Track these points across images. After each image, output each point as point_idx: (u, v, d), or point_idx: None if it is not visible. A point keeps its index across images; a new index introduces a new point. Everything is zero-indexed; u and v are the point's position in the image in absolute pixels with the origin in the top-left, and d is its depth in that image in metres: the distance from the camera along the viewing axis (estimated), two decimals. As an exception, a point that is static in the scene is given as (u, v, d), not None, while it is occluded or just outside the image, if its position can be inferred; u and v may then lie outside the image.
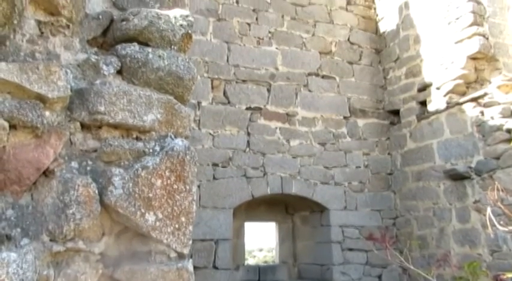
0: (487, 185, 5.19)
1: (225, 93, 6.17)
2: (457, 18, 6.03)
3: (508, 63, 6.07)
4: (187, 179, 1.40)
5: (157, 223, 1.33)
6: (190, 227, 1.39)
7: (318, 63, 6.87)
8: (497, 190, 4.08)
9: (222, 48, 6.34)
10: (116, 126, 1.37)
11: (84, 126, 1.34)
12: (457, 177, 5.65)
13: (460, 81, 5.86)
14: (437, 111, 6.11)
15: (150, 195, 1.32)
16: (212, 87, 6.11)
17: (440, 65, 6.22)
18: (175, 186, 1.37)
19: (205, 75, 6.07)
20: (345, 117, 6.81)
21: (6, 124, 1.12)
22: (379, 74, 7.29)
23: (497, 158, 5.23)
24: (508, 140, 5.19)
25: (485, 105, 5.59)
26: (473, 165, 5.50)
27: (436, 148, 6.13)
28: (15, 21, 1.15)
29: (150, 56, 1.47)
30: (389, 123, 7.06)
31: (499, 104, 5.48)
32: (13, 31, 1.23)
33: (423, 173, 6.28)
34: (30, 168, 1.17)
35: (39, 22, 1.34)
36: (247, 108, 6.21)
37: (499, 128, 5.31)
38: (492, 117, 5.47)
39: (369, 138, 6.88)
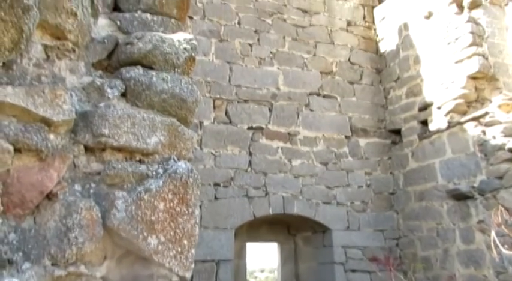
0: (491, 205, 5.15)
1: (226, 113, 6.20)
2: (456, 39, 6.11)
3: (508, 82, 6.11)
4: (190, 201, 1.39)
5: (160, 247, 1.32)
6: (193, 251, 1.38)
7: (319, 83, 6.92)
8: (501, 212, 4.04)
9: (224, 68, 6.40)
10: (119, 149, 1.37)
11: (87, 149, 1.35)
12: (460, 197, 5.62)
13: (461, 100, 5.89)
14: (439, 131, 6.12)
15: (153, 218, 1.32)
16: (214, 107, 6.14)
17: (441, 85, 6.26)
18: (178, 209, 1.37)
19: (207, 95, 6.11)
20: (346, 137, 6.81)
21: (11, 148, 1.13)
22: (380, 94, 7.33)
23: (501, 178, 5.20)
24: (511, 160, 5.18)
25: (487, 125, 5.60)
26: (476, 185, 5.47)
27: (438, 167, 6.11)
28: (23, 46, 1.17)
29: (154, 79, 1.48)
30: (391, 143, 7.06)
31: (501, 123, 5.48)
32: (20, 55, 1.25)
33: (426, 192, 6.25)
34: (33, 191, 1.17)
35: (45, 46, 1.36)
36: (248, 128, 6.23)
37: (501, 148, 5.31)
38: (494, 137, 5.47)
39: (371, 158, 6.87)
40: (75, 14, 1.36)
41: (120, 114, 1.36)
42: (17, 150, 1.15)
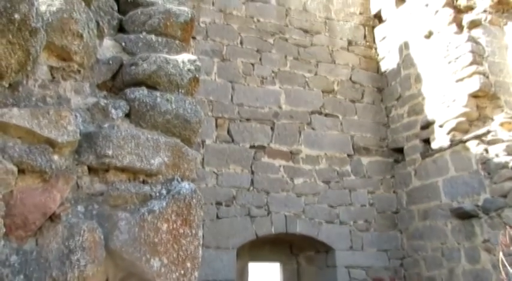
0: (496, 224, 5.10)
1: (229, 131, 6.21)
2: (457, 58, 6.15)
3: (509, 101, 6.13)
4: (194, 223, 1.38)
5: (163, 269, 1.30)
6: (196, 273, 1.36)
7: (321, 101, 6.95)
8: (508, 232, 3.98)
9: (226, 87, 6.45)
10: (123, 170, 1.37)
11: (91, 170, 1.34)
12: (465, 216, 5.56)
13: (463, 119, 5.89)
14: (442, 149, 6.11)
15: (156, 240, 1.30)
16: (216, 126, 6.15)
17: (442, 103, 6.28)
18: (181, 230, 1.35)
19: (210, 114, 6.14)
20: (348, 155, 6.80)
21: (15, 169, 1.12)
22: (381, 112, 7.35)
23: (505, 196, 5.16)
24: (515, 178, 5.14)
25: (489, 143, 5.58)
26: (480, 203, 5.42)
27: (441, 185, 6.08)
28: (29, 68, 1.18)
29: (158, 99, 1.49)
30: (393, 161, 7.04)
31: (503, 141, 5.47)
32: (26, 77, 1.26)
33: (430, 211, 6.19)
34: (36, 213, 1.16)
35: (51, 67, 1.37)
36: (251, 147, 6.23)
37: (504, 166, 5.28)
38: (497, 155, 5.45)
39: (374, 176, 6.84)
40: (81, 36, 1.37)
41: (124, 135, 1.37)
42: (21, 171, 1.15)
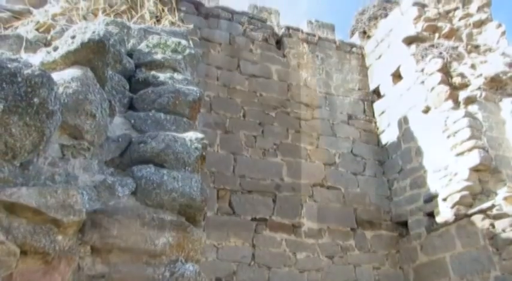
0: (509, 305, 4.85)
1: (230, 203, 6.15)
2: (456, 132, 6.27)
3: (511, 174, 6.13)
4: (197, 307, 1.32)
5: None
6: None
7: (323, 174, 6.96)
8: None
9: (228, 159, 6.50)
10: (126, 250, 1.34)
11: (94, 250, 1.31)
12: (476, 295, 5.30)
13: (466, 192, 5.85)
14: (447, 224, 5.99)
15: (157, 326, 1.24)
16: (218, 198, 6.11)
17: (444, 177, 6.28)
18: (183, 315, 1.29)
19: (211, 185, 6.12)
20: (352, 229, 6.65)
21: (18, 250, 1.10)
22: (384, 185, 7.32)
23: (516, 275, 4.96)
24: (524, 255, 4.98)
25: (495, 218, 5.49)
26: (491, 282, 5.20)
27: (449, 261, 5.87)
28: (41, 147, 1.21)
29: (165, 177, 1.50)
30: (398, 235, 6.87)
31: (509, 216, 5.39)
32: (37, 155, 1.28)
33: (439, 290, 5.91)
34: (34, 297, 1.11)
35: (62, 145, 1.40)
36: (252, 219, 6.13)
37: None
38: (504, 230, 5.33)
39: (378, 251, 6.63)
40: (94, 116, 1.42)
41: (129, 214, 1.35)
42: (23, 252, 1.12)
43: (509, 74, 6.67)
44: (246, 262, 5.77)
